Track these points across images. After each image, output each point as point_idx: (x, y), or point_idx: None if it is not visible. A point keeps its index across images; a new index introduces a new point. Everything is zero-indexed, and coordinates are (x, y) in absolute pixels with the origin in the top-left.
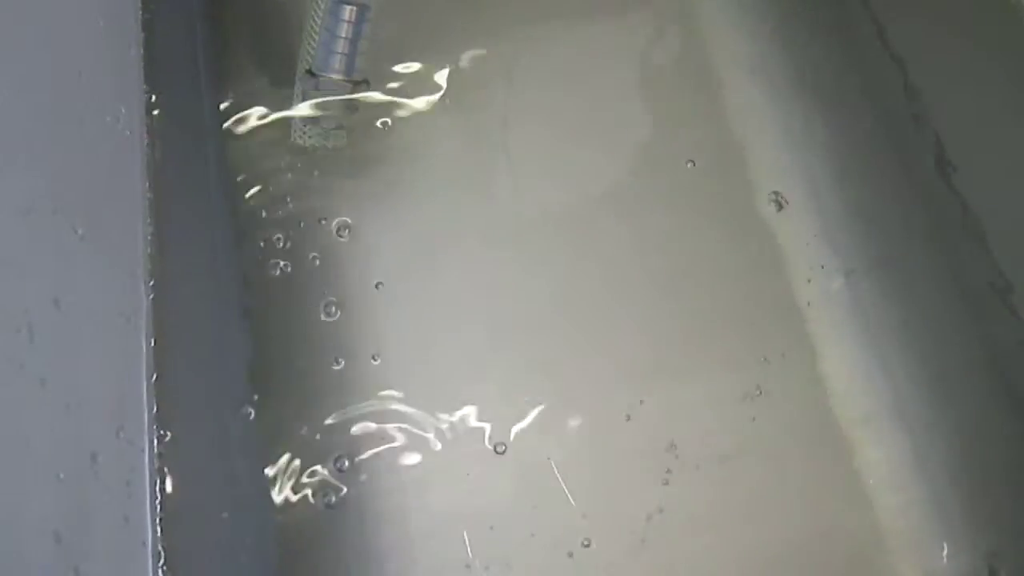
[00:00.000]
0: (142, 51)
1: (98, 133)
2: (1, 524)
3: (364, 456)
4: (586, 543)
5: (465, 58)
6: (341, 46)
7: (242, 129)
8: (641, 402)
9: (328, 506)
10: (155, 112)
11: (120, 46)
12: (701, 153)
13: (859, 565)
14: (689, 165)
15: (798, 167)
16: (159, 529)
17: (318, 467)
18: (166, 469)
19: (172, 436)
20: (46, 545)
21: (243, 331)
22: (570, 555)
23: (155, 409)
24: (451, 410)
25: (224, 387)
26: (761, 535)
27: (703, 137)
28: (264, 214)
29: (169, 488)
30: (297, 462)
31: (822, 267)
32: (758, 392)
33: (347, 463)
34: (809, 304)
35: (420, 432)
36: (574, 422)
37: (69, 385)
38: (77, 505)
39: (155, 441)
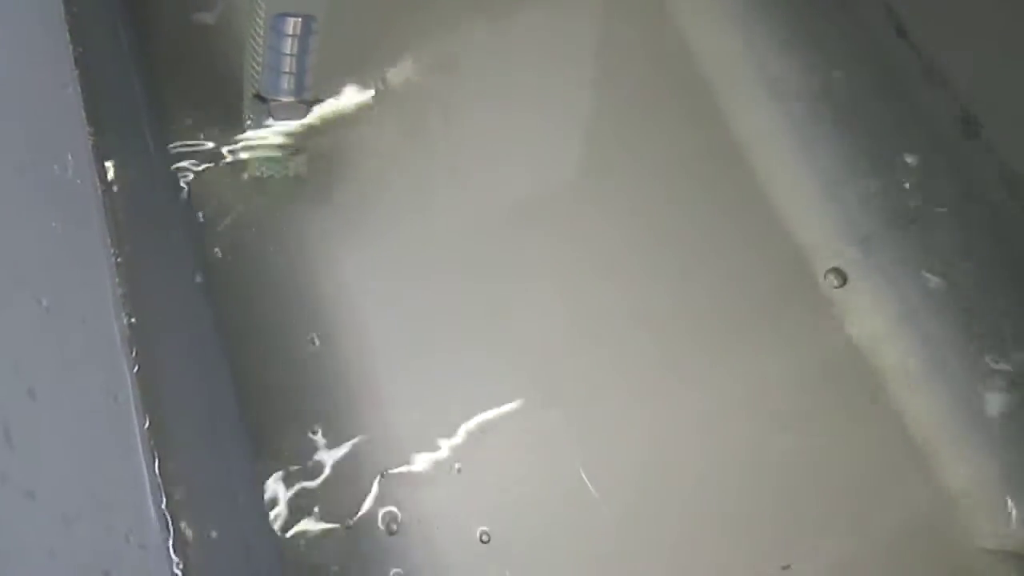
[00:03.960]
0: (79, 90)
1: (46, 185)
2: None
3: (382, 513)
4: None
5: (409, 65)
6: (288, 64)
7: (195, 168)
8: (669, 404)
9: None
10: (104, 157)
11: (55, 86)
12: (684, 138)
13: (928, 538)
14: (672, 150)
15: (787, 123)
16: None
17: (329, 526)
18: (185, 567)
19: (186, 527)
20: None
21: (235, 389)
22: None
23: (163, 501)
24: (452, 430)
25: (227, 454)
26: (820, 512)
27: (682, 119)
28: (233, 255)
29: None
30: (308, 523)
31: (837, 237)
32: (792, 373)
33: (362, 521)
34: (827, 277)
35: (431, 465)
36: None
37: (63, 492)
38: None
39: (170, 538)
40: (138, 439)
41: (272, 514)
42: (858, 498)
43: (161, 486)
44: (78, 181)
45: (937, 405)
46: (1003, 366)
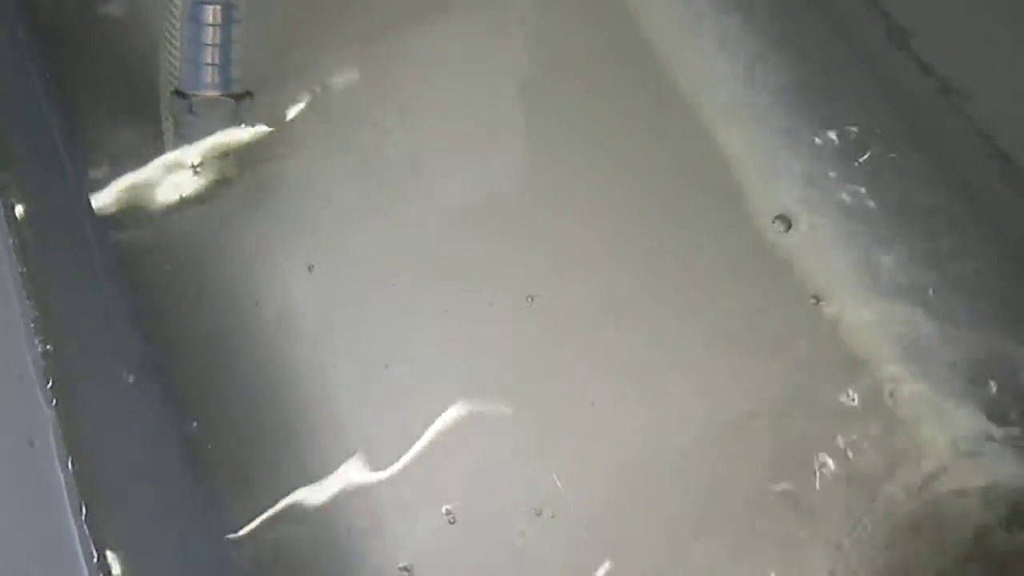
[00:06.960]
0: None
1: None
2: None
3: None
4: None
5: (350, 64)
6: (210, 56)
7: (110, 173)
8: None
9: None
10: (1, 161)
11: None
12: (642, 126)
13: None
14: (629, 138)
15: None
16: None
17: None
18: None
19: None
20: None
21: (173, 424)
22: None
23: (95, 557)
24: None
25: (173, 498)
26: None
27: (638, 103)
28: (162, 272)
29: None
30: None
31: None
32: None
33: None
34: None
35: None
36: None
37: None
38: None
39: None
40: (63, 489)
41: (229, 560)
42: None
43: (92, 542)
44: None
45: None
46: None
